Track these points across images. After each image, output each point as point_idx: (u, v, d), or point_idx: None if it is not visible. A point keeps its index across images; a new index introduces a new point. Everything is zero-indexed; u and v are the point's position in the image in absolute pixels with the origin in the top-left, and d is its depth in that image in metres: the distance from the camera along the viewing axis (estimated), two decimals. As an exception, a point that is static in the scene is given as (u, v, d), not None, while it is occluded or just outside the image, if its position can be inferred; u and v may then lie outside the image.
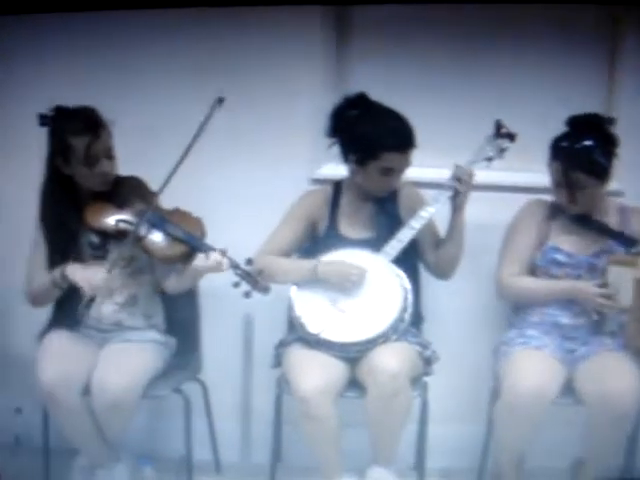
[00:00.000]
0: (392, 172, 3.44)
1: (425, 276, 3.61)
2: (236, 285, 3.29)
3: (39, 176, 3.48)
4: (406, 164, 3.45)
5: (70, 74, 3.79)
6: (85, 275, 3.35)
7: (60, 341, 3.46)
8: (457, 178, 3.44)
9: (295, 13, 3.68)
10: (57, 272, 3.40)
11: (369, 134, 3.40)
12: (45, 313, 3.55)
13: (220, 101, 3.30)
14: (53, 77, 3.80)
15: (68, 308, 3.47)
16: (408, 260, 3.49)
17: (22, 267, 3.52)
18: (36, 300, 3.52)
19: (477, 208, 3.50)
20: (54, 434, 3.54)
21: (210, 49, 3.75)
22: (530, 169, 3.66)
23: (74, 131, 3.36)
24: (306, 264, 3.49)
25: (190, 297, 3.66)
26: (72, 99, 3.39)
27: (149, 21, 3.71)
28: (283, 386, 3.49)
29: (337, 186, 3.61)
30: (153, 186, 3.43)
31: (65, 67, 3.80)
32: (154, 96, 3.80)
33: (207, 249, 3.31)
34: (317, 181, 3.80)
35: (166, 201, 3.43)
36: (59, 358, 3.36)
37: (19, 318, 3.89)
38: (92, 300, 3.37)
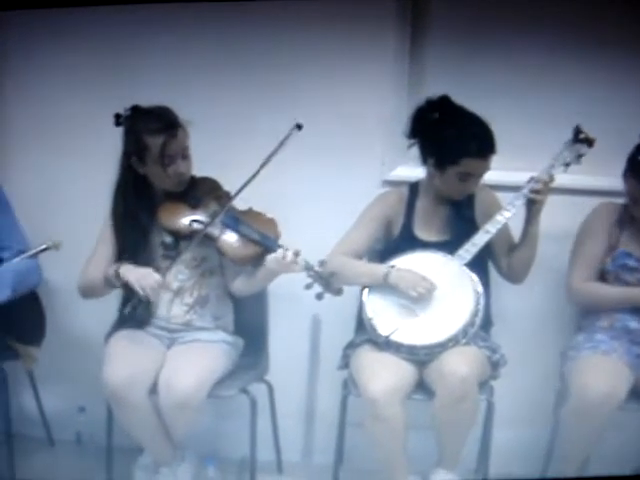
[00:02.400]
0: (471, 177, 3.41)
1: (493, 279, 3.58)
2: (308, 287, 3.28)
3: (108, 173, 3.48)
4: (485, 169, 3.42)
5: (147, 73, 3.83)
6: (137, 276, 3.33)
7: (128, 341, 3.46)
8: (536, 183, 3.40)
9: (369, 13, 3.67)
10: (111, 269, 3.39)
11: (450, 139, 3.37)
12: (112, 313, 3.56)
13: (298, 127, 3.31)
14: (130, 75, 3.83)
15: (135, 307, 3.43)
16: (480, 263, 3.47)
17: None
18: (85, 293, 3.51)
19: (548, 211, 3.44)
20: (117, 432, 3.54)
21: (283, 49, 3.75)
22: (603, 173, 3.63)
23: (151, 130, 3.35)
24: (379, 269, 3.46)
25: (259, 298, 3.65)
26: (149, 98, 3.40)
27: (226, 20, 3.74)
28: (349, 387, 3.49)
29: (413, 188, 3.58)
30: (226, 186, 3.44)
31: (143, 66, 3.85)
32: (228, 97, 3.80)
33: (280, 249, 3.29)
34: (389, 183, 3.78)
35: (239, 202, 3.42)
36: (126, 357, 3.37)
37: (85, 317, 3.92)
38: (140, 302, 3.35)
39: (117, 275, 3.36)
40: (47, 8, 3.66)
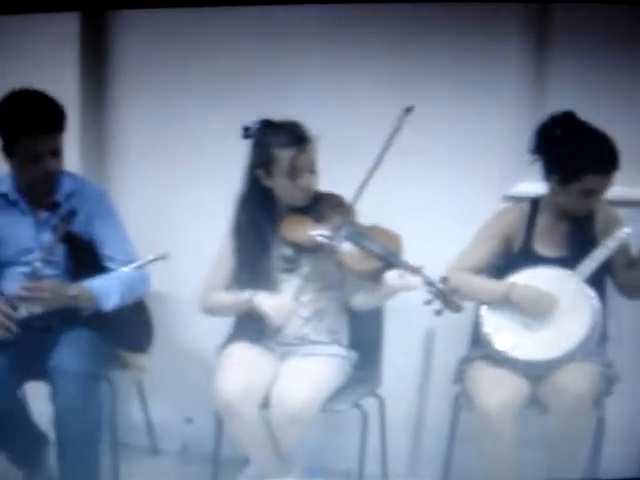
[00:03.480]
0: (593, 193, 3.39)
1: (609, 294, 3.56)
2: (428, 303, 3.25)
3: (219, 184, 3.56)
4: (608, 185, 3.39)
5: (271, 85, 3.88)
6: (273, 307, 3.37)
7: (242, 353, 3.47)
8: None
9: (493, 30, 3.68)
10: (243, 298, 3.42)
11: (573, 155, 3.36)
12: (224, 325, 3.57)
13: (408, 110, 3.32)
14: (256, 87, 3.88)
15: (250, 321, 3.48)
16: (598, 279, 3.45)
17: (199, 273, 3.55)
18: (212, 313, 3.56)
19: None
20: (223, 443, 3.54)
21: (408, 65, 3.76)
22: None
23: (280, 144, 3.38)
24: (500, 286, 3.46)
25: (375, 312, 3.62)
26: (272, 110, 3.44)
27: (352, 34, 3.78)
28: (462, 402, 3.49)
29: (534, 203, 3.56)
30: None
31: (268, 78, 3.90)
32: (353, 112, 3.83)
33: (403, 266, 3.28)
34: (510, 198, 3.76)
35: (361, 218, 3.42)
36: (240, 370, 3.37)
37: (195, 328, 3.95)
38: (279, 330, 3.40)
39: (250, 304, 3.39)
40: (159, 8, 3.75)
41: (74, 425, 3.34)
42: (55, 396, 3.36)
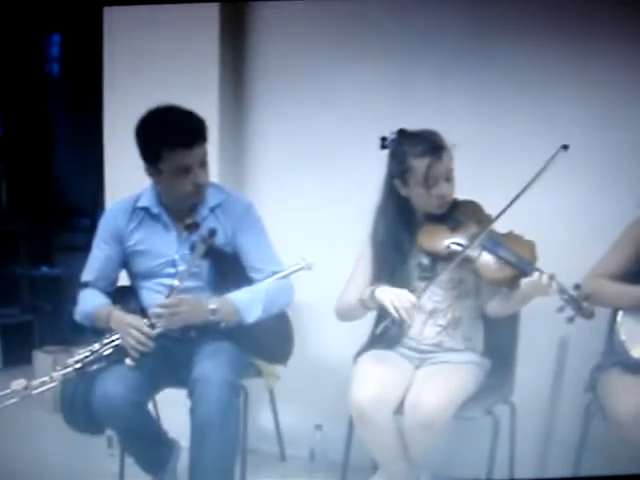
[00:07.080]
0: None
1: None
2: (560, 310, 3.26)
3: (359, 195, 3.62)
4: None
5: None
6: (392, 297, 3.36)
7: (377, 360, 3.49)
8: None
9: (624, 46, 3.70)
10: (367, 291, 3.44)
11: None
12: (356, 332, 3.59)
13: (565, 147, 3.34)
14: (396, 98, 3.96)
15: (386, 328, 3.47)
16: None
17: (336, 282, 3.59)
18: (342, 315, 3.59)
19: None
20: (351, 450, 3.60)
21: (553, 80, 3.80)
22: None
23: (416, 153, 3.41)
24: (637, 291, 3.45)
25: (511, 320, 3.63)
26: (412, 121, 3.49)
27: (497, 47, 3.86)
28: (593, 410, 3.48)
29: (670, 210, 3.59)
30: (488, 209, 3.47)
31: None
32: (494, 120, 3.89)
33: (536, 273, 3.30)
34: (647, 206, 3.80)
35: (500, 225, 3.44)
36: (375, 377, 3.40)
37: (328, 336, 4.05)
38: (393, 323, 3.39)
39: (372, 297, 3.42)
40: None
41: (213, 434, 3.37)
42: (195, 406, 3.39)
